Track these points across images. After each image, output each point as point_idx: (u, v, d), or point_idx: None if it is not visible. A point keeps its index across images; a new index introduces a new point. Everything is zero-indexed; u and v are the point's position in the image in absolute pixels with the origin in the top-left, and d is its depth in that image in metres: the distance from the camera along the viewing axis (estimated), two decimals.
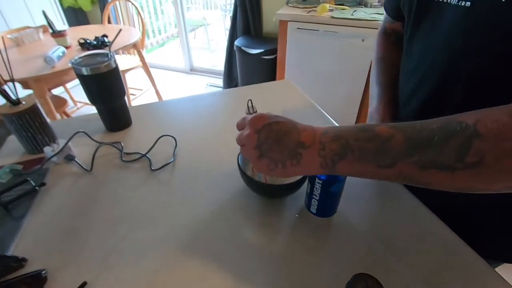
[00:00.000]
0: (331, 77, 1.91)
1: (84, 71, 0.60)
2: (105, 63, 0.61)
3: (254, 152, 0.36)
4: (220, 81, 2.89)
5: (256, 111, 0.41)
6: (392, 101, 0.61)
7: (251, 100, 0.41)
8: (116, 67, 0.64)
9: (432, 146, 0.27)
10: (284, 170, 0.35)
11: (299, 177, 0.47)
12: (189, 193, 0.54)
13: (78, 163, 0.60)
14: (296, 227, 0.48)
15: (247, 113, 0.40)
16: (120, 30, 0.70)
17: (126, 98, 0.72)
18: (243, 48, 2.17)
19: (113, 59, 0.63)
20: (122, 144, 0.65)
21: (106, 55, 0.64)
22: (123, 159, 0.62)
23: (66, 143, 0.60)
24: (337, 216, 0.49)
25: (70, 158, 0.61)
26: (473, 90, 0.41)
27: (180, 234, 0.47)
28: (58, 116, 1.73)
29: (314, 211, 0.48)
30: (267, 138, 0.35)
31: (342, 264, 0.42)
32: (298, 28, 1.81)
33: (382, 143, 0.29)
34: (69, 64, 0.61)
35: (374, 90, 0.64)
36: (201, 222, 0.49)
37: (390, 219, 0.49)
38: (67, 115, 2.02)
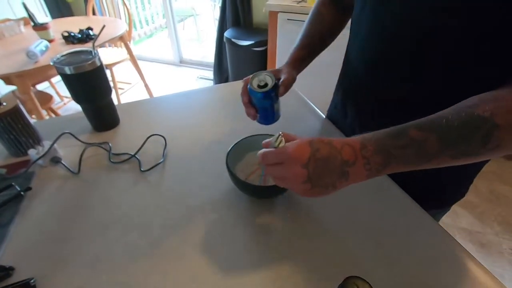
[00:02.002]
0: (322, 68, 1.90)
1: (67, 70, 0.58)
2: (89, 62, 0.59)
3: (305, 186, 0.35)
4: (211, 73, 2.84)
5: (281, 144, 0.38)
6: (302, 54, 0.68)
7: (281, 134, 0.38)
8: (101, 65, 0.62)
9: (462, 142, 0.33)
10: (335, 189, 0.36)
11: None
12: (180, 194, 0.54)
13: (65, 166, 0.59)
14: (287, 227, 0.48)
15: (273, 146, 0.38)
16: (104, 26, 0.67)
17: (114, 93, 0.70)
18: (233, 39, 2.13)
19: (98, 57, 0.61)
20: (110, 144, 0.64)
21: (90, 52, 0.62)
22: (111, 160, 0.60)
23: (52, 145, 0.59)
24: (326, 215, 0.50)
25: (56, 161, 0.59)
26: (420, 59, 0.45)
27: (171, 236, 0.46)
28: (44, 112, 1.68)
29: (272, 121, 0.54)
30: (315, 169, 0.35)
31: (334, 265, 0.43)
32: (288, 19, 1.78)
33: (419, 147, 0.34)
34: (51, 63, 0.59)
35: (296, 40, 0.69)
36: (192, 223, 0.48)
37: (379, 216, 0.49)
38: (54, 112, 1.96)
